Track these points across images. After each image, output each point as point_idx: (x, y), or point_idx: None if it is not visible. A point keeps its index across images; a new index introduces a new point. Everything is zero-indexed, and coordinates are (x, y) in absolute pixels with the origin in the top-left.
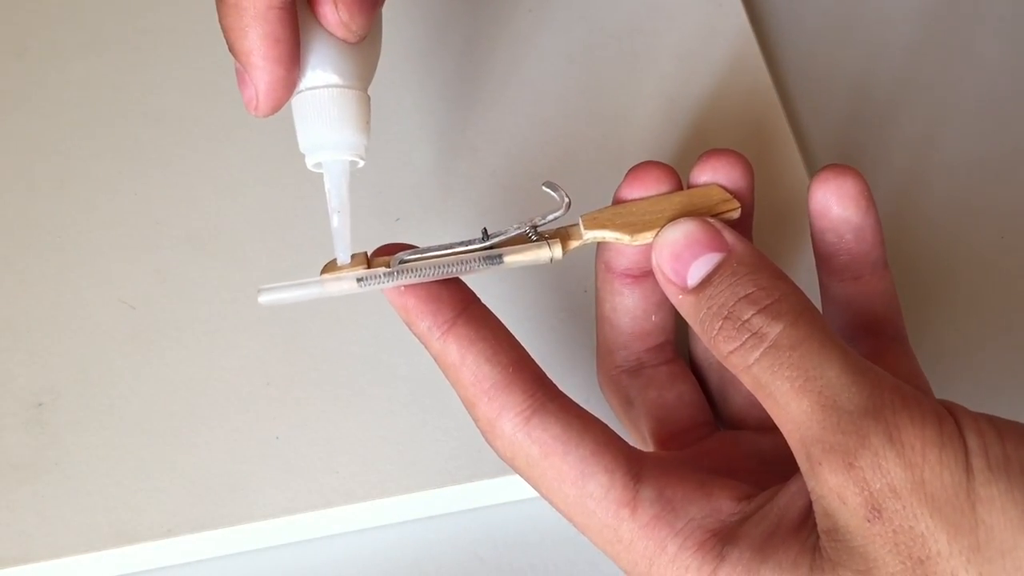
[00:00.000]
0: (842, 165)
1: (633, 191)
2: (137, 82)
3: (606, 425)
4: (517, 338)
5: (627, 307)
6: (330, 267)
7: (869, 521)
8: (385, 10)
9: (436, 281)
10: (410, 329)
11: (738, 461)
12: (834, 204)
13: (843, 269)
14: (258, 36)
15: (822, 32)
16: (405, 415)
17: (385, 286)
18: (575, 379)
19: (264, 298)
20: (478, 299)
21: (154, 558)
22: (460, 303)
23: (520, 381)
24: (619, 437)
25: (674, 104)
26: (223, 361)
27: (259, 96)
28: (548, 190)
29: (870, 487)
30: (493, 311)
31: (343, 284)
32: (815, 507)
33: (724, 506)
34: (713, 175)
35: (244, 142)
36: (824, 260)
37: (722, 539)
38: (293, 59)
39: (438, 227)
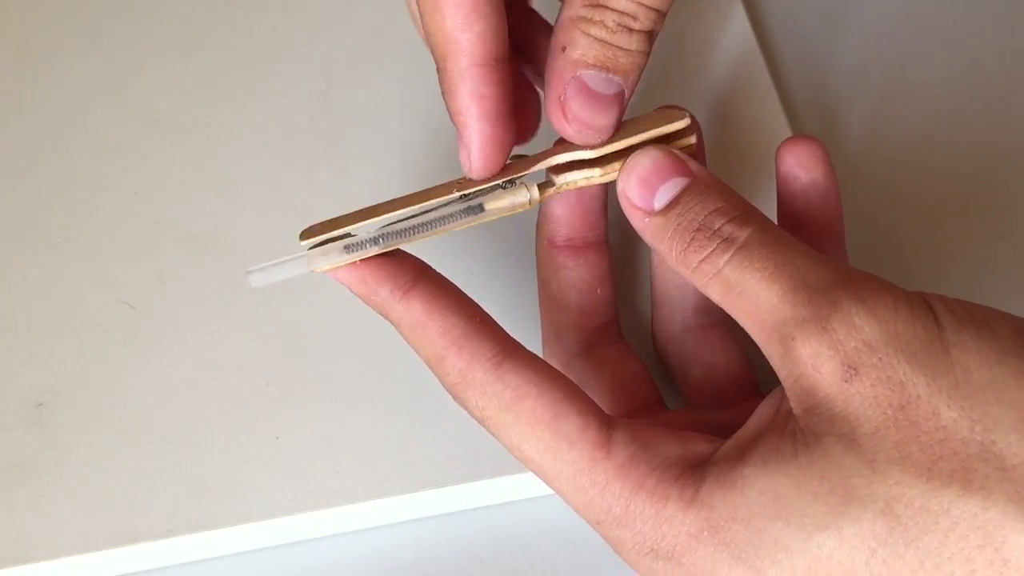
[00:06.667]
0: (806, 135)
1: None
2: (137, 82)
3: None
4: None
5: (573, 281)
6: (310, 232)
7: (847, 381)
8: (386, 8)
9: (390, 251)
10: (368, 302)
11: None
12: (803, 167)
13: (808, 240)
14: (465, 93)
15: (822, 31)
16: (405, 415)
17: (371, 252)
18: None
19: (255, 280)
20: (431, 267)
21: (154, 558)
22: (416, 269)
23: (487, 330)
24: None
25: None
26: (223, 361)
27: (471, 156)
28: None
29: (844, 347)
30: None
31: (330, 256)
32: (790, 393)
33: (699, 447)
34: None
35: (244, 142)
36: (790, 230)
37: (701, 468)
38: (502, 118)
39: None
